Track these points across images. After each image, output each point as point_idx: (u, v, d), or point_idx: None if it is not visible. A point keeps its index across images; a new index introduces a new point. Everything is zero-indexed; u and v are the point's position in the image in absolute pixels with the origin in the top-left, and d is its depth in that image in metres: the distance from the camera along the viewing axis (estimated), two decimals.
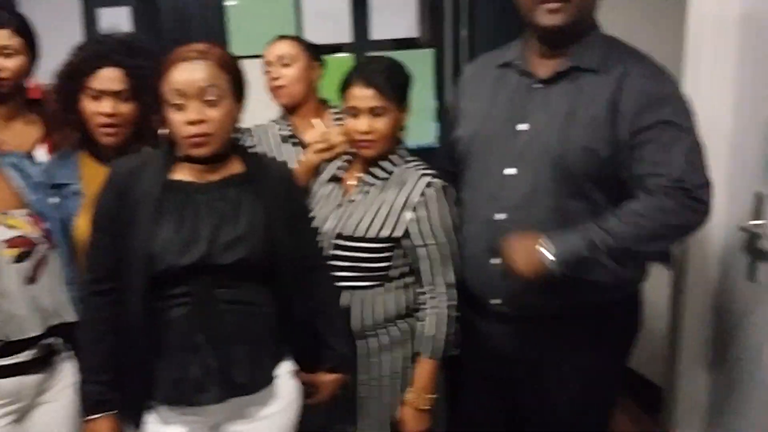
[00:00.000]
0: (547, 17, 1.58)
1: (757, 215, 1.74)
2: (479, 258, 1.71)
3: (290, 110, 2.20)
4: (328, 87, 2.14)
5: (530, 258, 1.53)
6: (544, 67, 1.65)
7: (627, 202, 1.54)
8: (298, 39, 2.26)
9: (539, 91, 1.66)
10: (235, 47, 2.94)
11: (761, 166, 1.75)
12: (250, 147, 2.15)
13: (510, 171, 1.66)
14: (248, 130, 2.20)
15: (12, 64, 2.00)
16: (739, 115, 1.88)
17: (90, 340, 1.52)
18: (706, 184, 1.52)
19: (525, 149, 1.63)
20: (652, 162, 1.52)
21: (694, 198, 1.49)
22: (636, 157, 1.54)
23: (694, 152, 1.53)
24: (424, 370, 1.75)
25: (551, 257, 1.51)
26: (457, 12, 3.06)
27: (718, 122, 1.90)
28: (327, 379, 1.67)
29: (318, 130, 2.06)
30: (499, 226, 1.65)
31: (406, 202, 1.72)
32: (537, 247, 1.52)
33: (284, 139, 2.18)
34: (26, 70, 2.05)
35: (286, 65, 2.14)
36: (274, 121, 2.24)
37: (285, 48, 2.17)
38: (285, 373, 1.59)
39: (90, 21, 3.08)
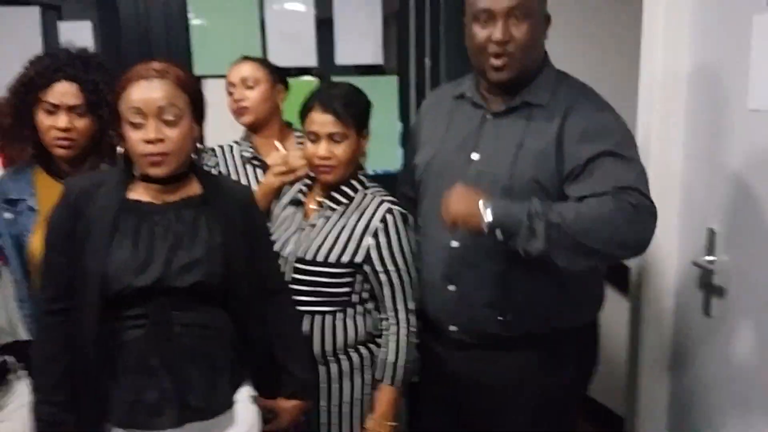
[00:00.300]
0: (493, 74, 1.64)
1: (709, 251, 1.79)
2: (436, 284, 1.73)
3: (253, 131, 2.20)
4: (292, 110, 2.14)
5: (468, 209, 1.52)
6: (496, 102, 1.70)
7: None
8: (261, 61, 2.27)
9: (491, 122, 1.70)
10: (199, 67, 2.93)
11: (713, 204, 1.80)
12: (211, 167, 2.13)
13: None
14: (211, 149, 2.19)
15: None
16: (690, 155, 1.95)
17: (44, 359, 1.48)
18: (649, 200, 1.53)
19: (476, 178, 1.66)
20: (596, 184, 1.53)
21: (635, 212, 1.49)
22: (580, 183, 1.57)
23: (640, 175, 1.57)
24: (385, 396, 1.75)
25: (489, 213, 1.50)
26: (420, 41, 3.11)
27: (670, 162, 1.97)
28: (287, 405, 1.66)
29: (278, 152, 2.06)
30: (454, 254, 1.68)
31: (366, 227, 1.73)
32: (478, 201, 1.52)
33: (247, 161, 2.17)
34: None
35: (249, 87, 2.14)
36: (237, 141, 2.23)
37: (249, 70, 2.17)
38: (244, 398, 1.57)
39: (50, 35, 3.03)
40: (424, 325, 1.78)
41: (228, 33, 3.02)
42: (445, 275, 1.70)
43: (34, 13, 3.00)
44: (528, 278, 1.63)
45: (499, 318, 1.65)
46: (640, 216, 1.50)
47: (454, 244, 1.69)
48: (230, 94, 2.18)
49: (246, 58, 2.22)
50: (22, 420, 1.60)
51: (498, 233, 1.51)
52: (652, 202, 1.53)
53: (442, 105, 1.83)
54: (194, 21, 3.00)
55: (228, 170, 2.15)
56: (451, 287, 1.70)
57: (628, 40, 2.27)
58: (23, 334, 1.62)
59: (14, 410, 1.60)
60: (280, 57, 2.94)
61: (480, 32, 1.62)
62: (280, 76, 2.24)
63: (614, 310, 1.81)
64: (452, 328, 1.74)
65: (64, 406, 1.46)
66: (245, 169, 2.17)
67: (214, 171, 2.11)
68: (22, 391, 1.62)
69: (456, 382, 1.79)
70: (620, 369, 2.26)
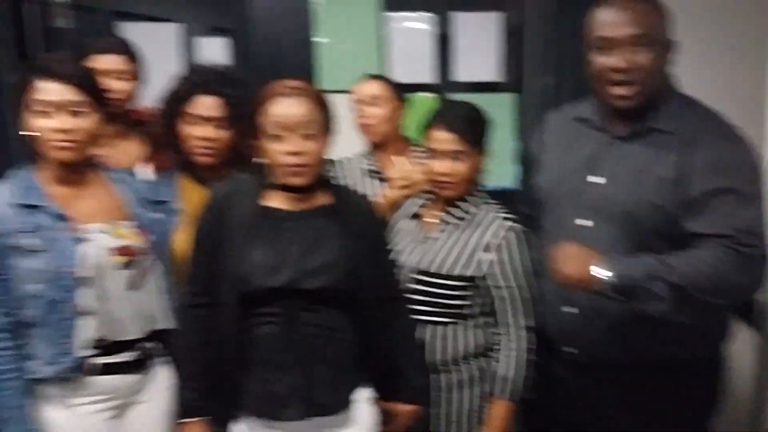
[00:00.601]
0: (617, 101, 1.63)
1: None
2: (552, 305, 1.75)
3: (376, 146, 2.30)
4: (410, 125, 2.22)
5: (580, 273, 1.52)
6: (621, 126, 1.69)
7: (691, 249, 1.55)
8: (386, 79, 2.36)
9: (615, 146, 1.69)
10: (324, 82, 3.08)
11: None
12: (335, 178, 2.25)
13: (582, 222, 1.69)
14: (334, 162, 2.31)
15: (124, 87, 2.17)
16: None
17: (186, 348, 1.63)
18: (761, 254, 1.53)
19: (597, 202, 1.66)
20: (714, 224, 1.53)
21: (748, 261, 1.51)
22: (699, 218, 1.55)
23: (756, 221, 1.55)
24: (498, 410, 1.77)
25: (607, 274, 1.50)
26: (540, 58, 3.11)
27: None
28: (403, 408, 1.72)
29: (400, 167, 2.14)
30: None
31: (484, 243, 1.77)
32: (591, 264, 1.52)
33: (368, 174, 2.27)
34: (135, 94, 2.23)
35: (375, 105, 2.23)
36: (360, 155, 2.34)
37: (376, 88, 2.26)
38: (364, 399, 1.65)
39: (188, 50, 3.29)
40: (543, 345, 1.80)
41: (351, 50, 3.16)
42: (565, 297, 1.71)
43: (172, 29, 3.27)
44: None
45: (624, 342, 1.65)
46: (754, 264, 1.53)
47: None
48: (357, 110, 2.27)
49: (372, 77, 2.32)
50: (162, 401, 1.77)
51: (617, 290, 1.51)
52: (761, 251, 1.53)
53: (563, 127, 1.84)
54: (320, 39, 3.16)
55: (350, 182, 2.24)
56: (572, 310, 1.71)
57: (754, 63, 2.19)
58: (167, 323, 1.76)
59: (156, 392, 1.76)
60: (399, 73, 3.03)
61: (600, 60, 1.61)
62: (402, 93, 2.33)
63: (740, 345, 1.75)
64: (570, 350, 1.75)
65: (203, 394, 1.60)
66: (363, 181, 2.27)
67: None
68: (163, 375, 1.78)
69: (572, 403, 1.79)
70: (746, 404, 2.17)
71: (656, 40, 1.58)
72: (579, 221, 1.70)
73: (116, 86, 2.15)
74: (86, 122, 1.61)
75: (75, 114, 1.59)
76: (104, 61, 2.12)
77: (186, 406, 1.62)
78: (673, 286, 1.48)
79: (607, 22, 1.60)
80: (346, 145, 2.46)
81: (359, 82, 2.33)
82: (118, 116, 2.21)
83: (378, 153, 2.30)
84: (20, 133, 1.63)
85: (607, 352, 1.69)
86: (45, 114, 1.58)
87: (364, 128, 2.27)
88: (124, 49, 2.21)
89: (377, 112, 2.24)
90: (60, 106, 1.58)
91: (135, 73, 2.22)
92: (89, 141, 1.64)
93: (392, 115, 2.26)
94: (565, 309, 1.71)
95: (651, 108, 1.65)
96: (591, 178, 1.69)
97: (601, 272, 1.50)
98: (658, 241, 1.61)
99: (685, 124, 1.62)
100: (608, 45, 1.59)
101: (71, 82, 1.59)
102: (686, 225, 1.56)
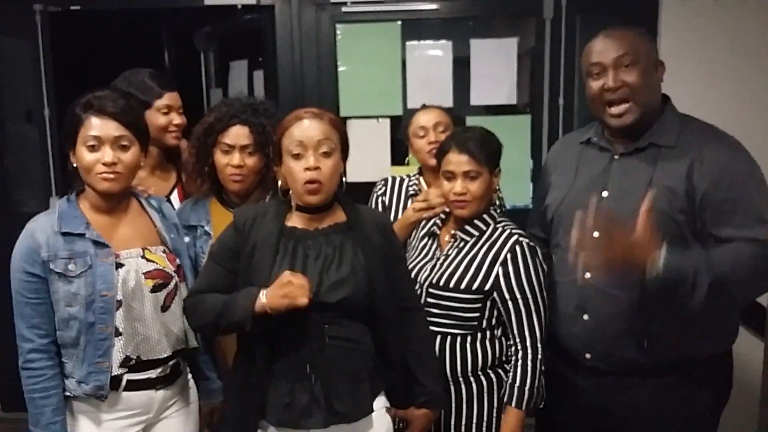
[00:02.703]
0: (614, 120, 1.76)
1: None
2: (570, 315, 1.82)
3: (430, 170, 2.31)
4: None
5: (644, 256, 1.54)
6: (622, 144, 1.80)
7: (722, 245, 1.63)
8: (444, 108, 2.41)
9: (618, 162, 1.80)
10: (344, 109, 3.22)
11: None
12: (378, 194, 2.37)
13: (595, 234, 1.77)
14: (384, 180, 2.41)
15: (181, 121, 2.33)
16: None
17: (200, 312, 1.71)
18: None
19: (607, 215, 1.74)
20: (743, 222, 1.62)
21: None
22: (718, 223, 1.65)
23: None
24: (511, 419, 1.83)
25: (662, 265, 1.54)
26: (554, 81, 3.20)
27: None
28: (418, 413, 1.79)
29: (423, 191, 2.22)
30: (588, 285, 1.77)
31: (496, 257, 1.85)
32: (658, 249, 1.55)
33: (412, 195, 2.33)
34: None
35: (442, 131, 2.28)
36: (408, 176, 2.40)
37: (440, 116, 2.32)
38: (380, 407, 1.73)
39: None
40: (556, 353, 1.87)
41: (371, 78, 3.29)
42: (579, 306, 1.79)
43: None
44: (662, 305, 1.67)
45: (640, 344, 1.71)
46: None
47: (587, 275, 1.77)
48: (423, 137, 2.30)
49: (433, 106, 2.37)
50: (189, 417, 1.88)
51: (665, 280, 1.56)
52: None
53: (570, 151, 1.95)
54: (342, 68, 3.30)
55: (392, 200, 2.35)
56: (586, 317, 1.79)
57: None
58: (194, 342, 1.87)
59: (181, 408, 1.86)
60: (417, 99, 3.13)
61: (594, 84, 1.76)
62: (456, 119, 2.39)
63: (748, 350, 1.81)
64: (587, 355, 1.82)
65: (228, 403, 1.71)
66: (406, 203, 2.32)
67: (380, 200, 2.36)
68: (188, 392, 1.89)
69: (588, 408, 1.85)
70: (752, 412, 2.20)
71: (641, 60, 1.72)
72: (593, 234, 1.77)
73: (178, 120, 2.31)
74: (130, 155, 1.73)
75: (121, 148, 1.71)
76: (171, 98, 2.29)
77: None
78: (714, 280, 1.55)
79: (597, 50, 1.77)
80: (367, 169, 2.57)
81: (419, 110, 2.37)
82: (169, 148, 2.36)
83: (428, 176, 2.35)
84: (71, 165, 1.75)
85: (622, 356, 1.76)
86: (93, 148, 1.69)
87: (432, 153, 2.23)
88: (175, 85, 2.36)
89: (441, 138, 2.23)
90: (108, 141, 1.70)
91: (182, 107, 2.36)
92: (132, 173, 1.76)
93: None
94: (579, 315, 1.78)
95: (647, 125, 1.76)
96: (603, 194, 1.78)
97: (658, 262, 1.55)
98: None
99: (686, 136, 1.73)
100: (599, 69, 1.75)
101: (119, 118, 1.72)
102: (714, 233, 1.65)
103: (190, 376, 1.92)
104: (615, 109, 1.74)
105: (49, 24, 3.29)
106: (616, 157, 1.81)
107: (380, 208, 2.35)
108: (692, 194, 1.67)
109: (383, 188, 2.40)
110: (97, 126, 1.70)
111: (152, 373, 1.76)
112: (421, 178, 2.37)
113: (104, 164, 1.69)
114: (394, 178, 2.41)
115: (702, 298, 1.56)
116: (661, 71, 1.78)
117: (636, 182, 1.74)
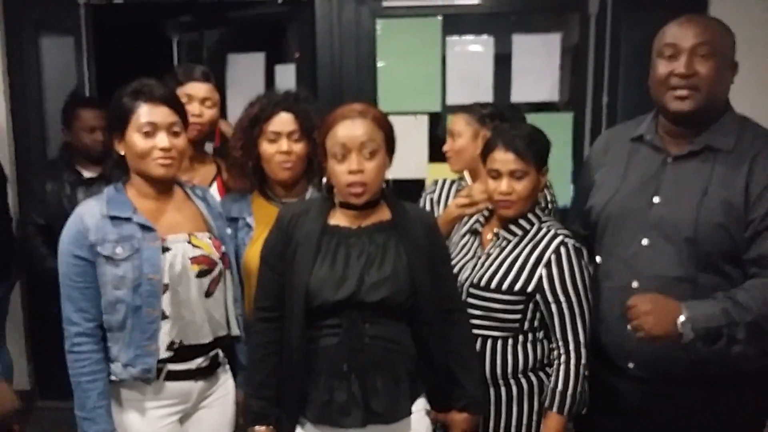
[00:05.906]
0: (675, 103, 1.66)
1: None
2: (614, 323, 1.76)
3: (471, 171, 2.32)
4: None
5: (665, 329, 1.54)
6: (677, 145, 1.72)
7: (754, 280, 1.57)
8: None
9: (672, 166, 1.72)
10: (383, 104, 3.18)
11: None
12: (428, 194, 2.36)
13: (645, 241, 1.72)
14: (435, 181, 2.39)
15: (210, 113, 2.33)
16: None
17: (257, 359, 1.74)
18: None
19: (659, 222, 1.69)
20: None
21: None
22: (761, 239, 1.58)
23: None
24: (552, 424, 1.79)
25: (689, 329, 1.53)
26: (598, 78, 3.14)
27: None
28: (459, 417, 1.76)
29: (467, 186, 2.20)
30: (634, 293, 1.70)
31: (539, 258, 1.81)
32: (674, 317, 1.53)
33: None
34: (215, 120, 2.38)
35: (460, 136, 2.27)
36: (459, 178, 2.38)
37: (464, 121, 2.28)
38: (420, 410, 1.71)
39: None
40: (599, 358, 1.82)
41: (410, 73, 3.26)
42: (623, 314, 1.72)
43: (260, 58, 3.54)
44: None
45: (686, 359, 1.66)
46: None
47: (635, 284, 1.72)
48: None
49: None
50: (226, 408, 1.89)
51: (699, 338, 1.54)
52: None
53: (619, 147, 1.87)
54: (381, 63, 3.28)
55: (440, 200, 2.33)
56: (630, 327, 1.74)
57: None
58: (236, 331, 1.88)
59: (220, 398, 1.88)
60: (457, 95, 3.11)
61: (664, 66, 1.67)
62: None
63: None
64: (630, 365, 1.77)
65: (270, 401, 1.71)
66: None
67: (429, 198, 2.35)
68: (227, 383, 1.90)
69: (630, 416, 1.80)
70: None
71: (719, 54, 1.63)
72: (642, 241, 1.73)
73: (203, 112, 2.31)
74: (182, 141, 1.77)
75: (175, 134, 1.75)
76: (193, 89, 2.28)
77: (254, 414, 1.72)
78: (750, 326, 1.52)
79: (676, 31, 1.67)
80: (407, 166, 2.54)
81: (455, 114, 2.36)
82: (200, 140, 2.37)
83: (473, 178, 2.32)
84: (117, 153, 1.77)
85: (668, 367, 1.70)
86: (148, 134, 1.72)
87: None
88: (210, 77, 2.36)
89: (461, 143, 2.27)
90: (163, 127, 1.73)
91: (216, 100, 2.37)
92: (183, 158, 1.80)
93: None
94: (624, 324, 1.73)
95: (706, 123, 1.68)
96: (655, 199, 1.72)
97: (685, 327, 1.53)
98: (722, 261, 1.64)
99: (744, 142, 1.65)
100: (674, 52, 1.65)
101: (171, 104, 1.76)
102: (750, 250, 1.59)
103: (227, 366, 1.93)
104: (680, 91, 1.64)
105: (92, 18, 3.34)
106: (669, 160, 1.73)
107: (428, 207, 2.32)
108: (748, 205, 1.60)
109: (434, 189, 2.37)
110: (152, 112, 1.72)
111: (192, 364, 1.78)
112: (468, 177, 2.33)
113: (162, 149, 1.71)
114: (444, 181, 2.39)
115: (745, 345, 1.53)
116: (734, 73, 1.69)
117: (690, 191, 1.67)
